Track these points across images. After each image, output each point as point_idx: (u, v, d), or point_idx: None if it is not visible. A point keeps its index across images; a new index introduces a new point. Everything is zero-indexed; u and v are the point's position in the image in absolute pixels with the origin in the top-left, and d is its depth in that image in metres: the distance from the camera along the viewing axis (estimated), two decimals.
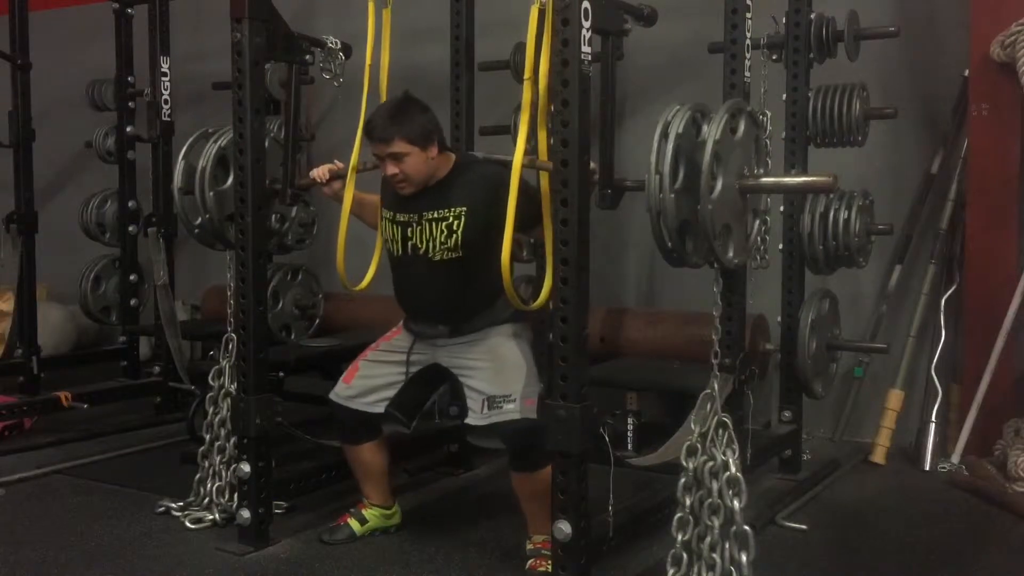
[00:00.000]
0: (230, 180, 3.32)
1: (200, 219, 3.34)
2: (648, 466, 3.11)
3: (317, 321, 4.98)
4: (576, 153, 2.53)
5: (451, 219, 2.93)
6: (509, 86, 4.68)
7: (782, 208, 3.95)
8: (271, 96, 4.73)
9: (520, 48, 4.72)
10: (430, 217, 2.96)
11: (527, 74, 2.69)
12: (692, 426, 2.63)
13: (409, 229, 3.00)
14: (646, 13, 3.02)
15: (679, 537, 2.60)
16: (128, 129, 5.43)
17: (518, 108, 4.85)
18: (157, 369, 5.15)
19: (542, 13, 2.60)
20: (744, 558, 2.51)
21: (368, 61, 3.17)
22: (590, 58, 2.55)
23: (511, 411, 2.90)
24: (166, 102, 4.95)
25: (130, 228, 5.40)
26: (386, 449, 3.27)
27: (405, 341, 3.15)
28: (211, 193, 3.31)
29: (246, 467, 3.18)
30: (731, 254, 2.50)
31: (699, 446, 2.60)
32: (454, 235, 2.93)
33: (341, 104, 4.64)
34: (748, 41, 3.40)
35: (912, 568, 3.12)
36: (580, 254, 2.56)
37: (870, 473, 4.13)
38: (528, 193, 2.73)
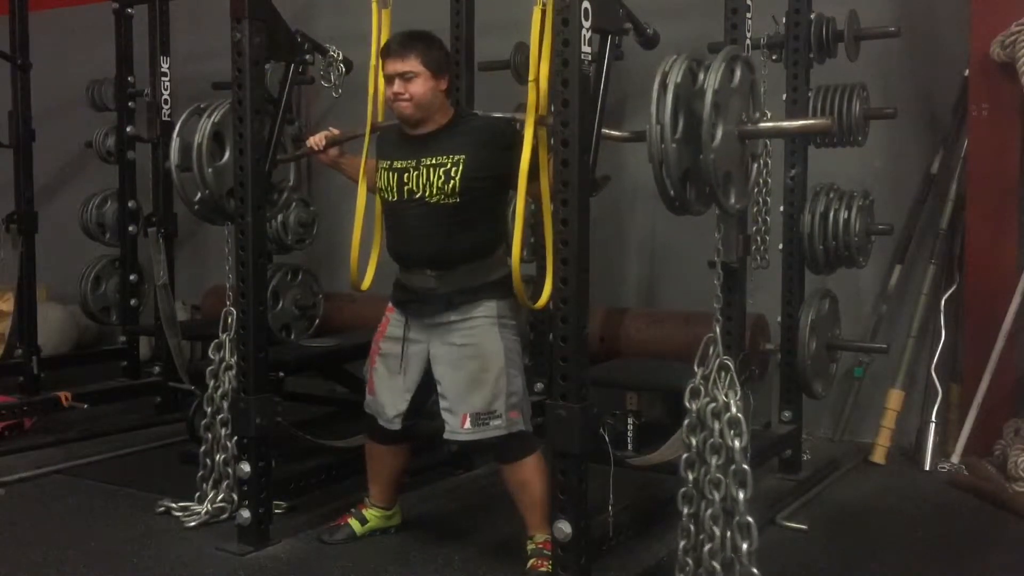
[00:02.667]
0: (227, 155, 3.31)
1: (200, 195, 3.33)
2: (648, 466, 3.11)
3: (317, 321, 4.98)
4: (576, 153, 2.53)
5: (449, 165, 2.92)
6: (509, 86, 4.69)
7: (782, 208, 3.95)
8: (271, 96, 4.74)
9: (520, 48, 4.73)
10: (428, 163, 2.95)
11: (531, 75, 2.69)
12: (695, 368, 2.65)
13: (406, 175, 2.98)
14: (650, 33, 3.02)
15: (689, 475, 2.62)
16: (128, 129, 5.43)
17: (518, 108, 4.86)
18: (157, 369, 5.15)
19: (545, 14, 2.61)
20: (742, 496, 2.54)
21: (373, 62, 3.17)
22: (590, 58, 2.56)
23: (498, 427, 2.91)
24: (166, 102, 4.95)
25: (130, 228, 5.41)
26: (407, 455, 3.28)
27: (398, 326, 3.09)
28: (209, 170, 3.29)
29: (246, 467, 3.18)
30: (733, 200, 2.53)
31: (702, 388, 2.62)
32: (451, 180, 2.91)
33: (341, 104, 4.64)
34: (748, 41, 3.39)
35: (912, 568, 3.12)
36: (580, 254, 2.56)
37: (870, 473, 4.13)
38: (521, 144, 2.73)
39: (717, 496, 2.57)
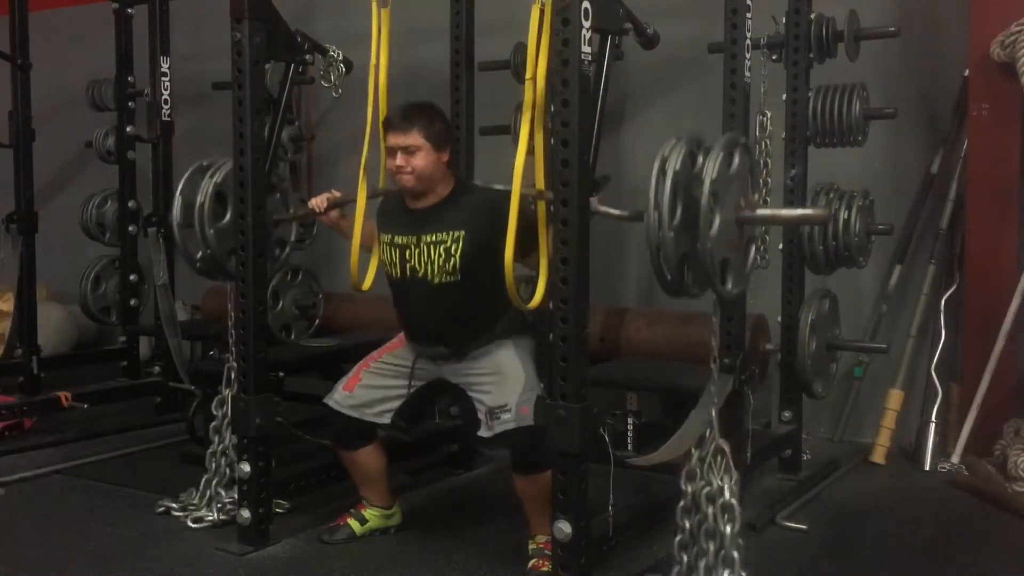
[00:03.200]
0: (228, 216, 3.32)
1: (201, 253, 3.34)
2: (648, 466, 3.11)
3: (317, 321, 4.98)
4: (576, 153, 2.53)
5: (449, 242, 2.96)
6: (509, 86, 4.68)
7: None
8: (271, 96, 4.74)
9: (520, 48, 4.72)
10: (428, 240, 2.98)
11: (528, 74, 2.70)
12: (693, 451, 2.68)
13: (407, 252, 3.02)
14: (650, 33, 3.02)
15: (683, 558, 2.66)
16: (128, 129, 5.42)
17: (518, 108, 4.86)
18: (157, 369, 5.15)
19: (543, 13, 2.61)
20: None
21: (373, 61, 3.17)
22: (590, 58, 2.56)
23: (507, 420, 2.93)
24: (166, 102, 4.95)
25: (130, 228, 5.40)
26: (382, 451, 3.27)
27: (408, 356, 3.16)
28: (211, 230, 3.29)
29: (246, 467, 3.18)
30: (730, 285, 2.53)
31: (697, 471, 2.65)
32: (452, 259, 2.96)
33: (341, 104, 4.64)
34: (748, 41, 3.39)
35: (912, 568, 3.12)
36: (580, 254, 2.56)
37: (870, 473, 4.13)
38: (525, 218, 2.75)
39: None
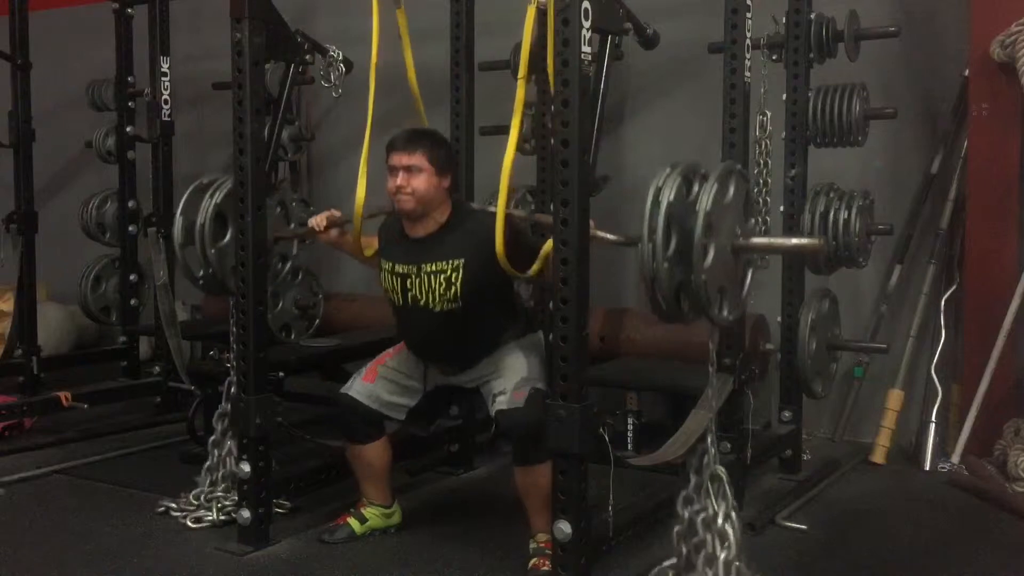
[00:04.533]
0: (228, 235, 3.32)
1: (203, 272, 3.34)
2: (648, 466, 3.11)
3: (317, 321, 4.98)
4: (576, 153, 2.53)
5: (449, 271, 2.98)
6: (509, 86, 4.64)
7: (782, 208, 3.95)
8: (271, 96, 4.75)
9: (520, 48, 4.72)
10: (429, 269, 3.01)
11: (521, 73, 2.71)
12: (691, 476, 2.70)
13: (408, 280, 3.05)
14: (650, 33, 3.03)
15: None
16: (128, 129, 5.43)
17: None
18: (157, 369, 5.15)
19: (541, 13, 2.61)
20: None
21: (374, 60, 3.18)
22: (590, 58, 2.56)
23: (501, 402, 2.99)
24: (166, 102, 4.95)
25: (130, 228, 5.41)
26: (390, 448, 3.29)
27: (419, 367, 3.22)
28: (212, 250, 3.30)
29: (246, 467, 3.18)
30: (726, 312, 2.53)
31: (694, 497, 2.67)
32: (453, 287, 2.98)
33: (341, 104, 4.64)
34: (748, 41, 3.39)
35: (912, 568, 3.12)
36: (580, 254, 2.56)
37: (870, 473, 4.13)
38: (520, 239, 2.84)
39: None
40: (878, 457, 4.21)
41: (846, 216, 3.79)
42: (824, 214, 3.79)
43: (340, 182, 5.68)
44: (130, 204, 5.42)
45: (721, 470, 2.65)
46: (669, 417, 4.31)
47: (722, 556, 2.60)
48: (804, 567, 3.10)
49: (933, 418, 4.23)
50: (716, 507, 2.63)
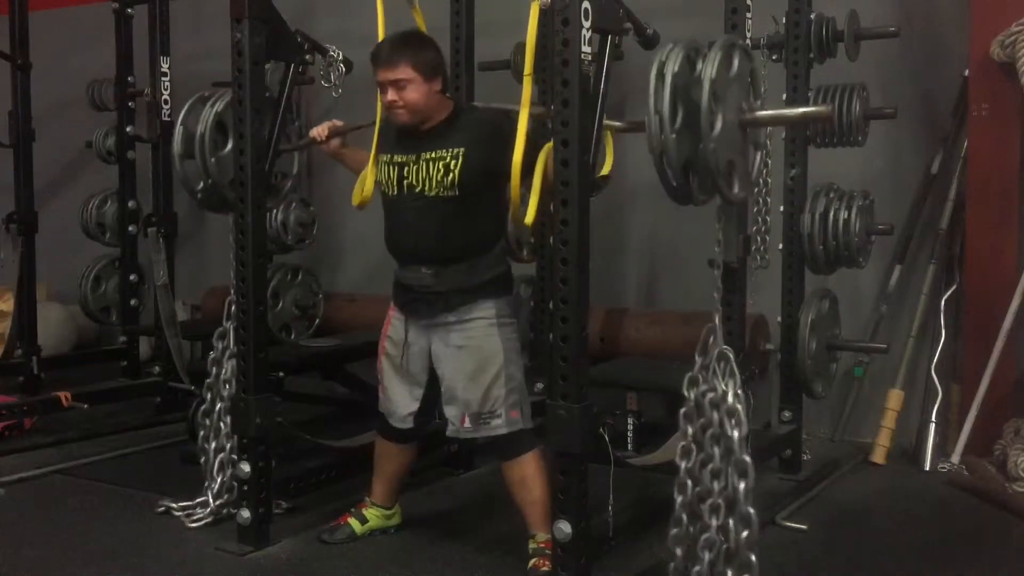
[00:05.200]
0: (230, 144, 3.31)
1: (202, 183, 3.32)
2: (648, 466, 3.11)
3: (317, 321, 4.99)
4: (576, 153, 2.53)
5: (448, 159, 2.92)
6: (509, 86, 4.68)
7: (782, 208, 3.95)
8: (271, 96, 4.75)
9: (520, 48, 4.73)
10: (428, 157, 2.95)
11: (527, 70, 2.71)
12: (696, 357, 2.62)
13: (406, 168, 2.99)
14: (650, 33, 3.02)
15: (683, 464, 2.57)
16: (128, 129, 5.43)
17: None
18: (157, 369, 5.14)
19: (543, 12, 2.61)
20: (743, 486, 2.49)
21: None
22: (590, 58, 2.56)
23: (498, 426, 2.95)
24: (166, 102, 4.95)
25: (130, 228, 5.41)
26: (414, 454, 3.31)
27: (399, 327, 3.12)
28: (212, 159, 3.29)
29: (246, 467, 3.18)
30: (736, 188, 2.52)
31: (700, 377, 2.58)
32: (451, 174, 2.92)
33: (341, 104, 4.64)
34: (748, 41, 3.39)
35: (912, 568, 3.12)
36: (580, 254, 2.56)
37: (870, 473, 4.13)
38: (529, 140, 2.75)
39: (717, 486, 2.52)
40: (878, 457, 4.21)
41: (846, 216, 3.79)
42: (824, 214, 3.79)
43: (340, 182, 5.66)
44: (130, 204, 5.42)
45: (728, 349, 2.57)
46: (669, 417, 4.31)
47: (735, 434, 2.50)
48: (804, 567, 3.10)
49: (933, 418, 4.23)
50: (724, 386, 2.54)
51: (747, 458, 2.50)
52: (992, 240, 4.21)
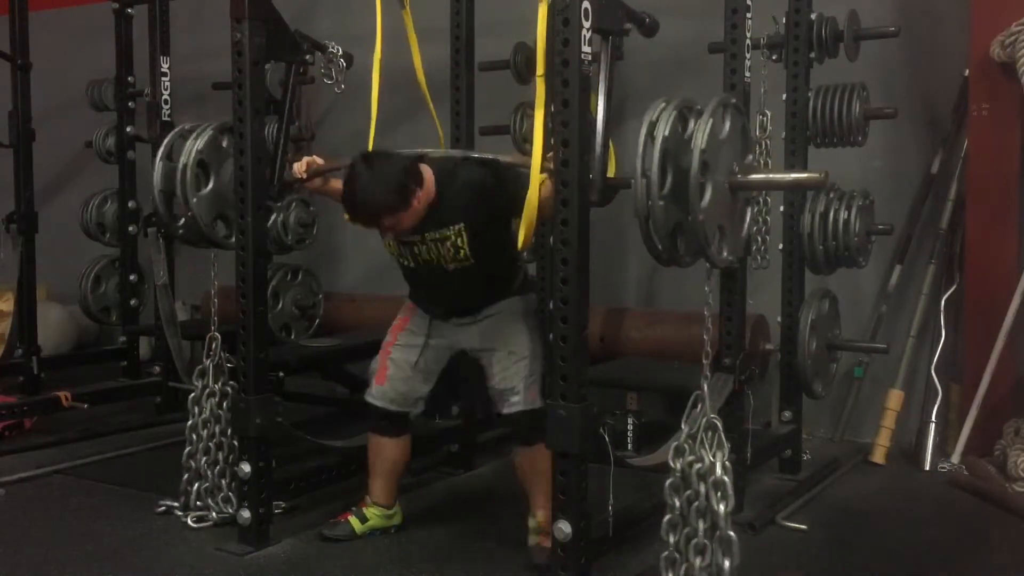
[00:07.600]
0: (211, 183, 3.31)
1: (183, 219, 3.31)
2: (648, 466, 3.11)
3: (317, 321, 4.98)
4: (576, 153, 2.53)
5: (453, 236, 2.97)
6: (509, 86, 4.68)
7: (782, 208, 3.95)
8: (271, 96, 4.75)
9: (520, 48, 4.73)
10: (432, 237, 3.00)
11: (540, 71, 2.70)
12: (683, 426, 2.61)
13: (415, 247, 3.05)
14: (647, 22, 3.01)
15: (670, 539, 2.55)
16: (128, 129, 5.43)
17: (518, 108, 4.86)
18: (157, 369, 5.14)
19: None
20: (727, 564, 2.46)
21: (378, 56, 3.18)
22: (590, 58, 2.55)
23: (516, 403, 3.02)
24: (166, 102, 4.95)
25: (130, 228, 5.41)
26: (409, 449, 3.31)
27: (422, 324, 3.21)
28: (194, 199, 3.28)
29: (246, 467, 3.18)
30: (725, 253, 2.49)
31: (687, 447, 2.54)
32: (461, 250, 2.98)
33: (341, 104, 4.64)
34: (748, 41, 3.39)
35: (912, 568, 3.12)
36: (580, 254, 2.56)
37: (870, 473, 4.13)
38: (516, 185, 2.78)
39: (699, 563, 2.49)
40: (878, 457, 4.21)
41: (846, 216, 3.79)
42: (824, 214, 3.79)
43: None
44: (130, 204, 5.42)
45: (716, 419, 2.52)
46: (669, 417, 4.31)
47: (720, 508, 2.46)
48: (804, 567, 3.10)
49: (933, 418, 4.23)
50: (712, 457, 2.49)
51: (732, 534, 2.47)
52: (992, 240, 4.21)
